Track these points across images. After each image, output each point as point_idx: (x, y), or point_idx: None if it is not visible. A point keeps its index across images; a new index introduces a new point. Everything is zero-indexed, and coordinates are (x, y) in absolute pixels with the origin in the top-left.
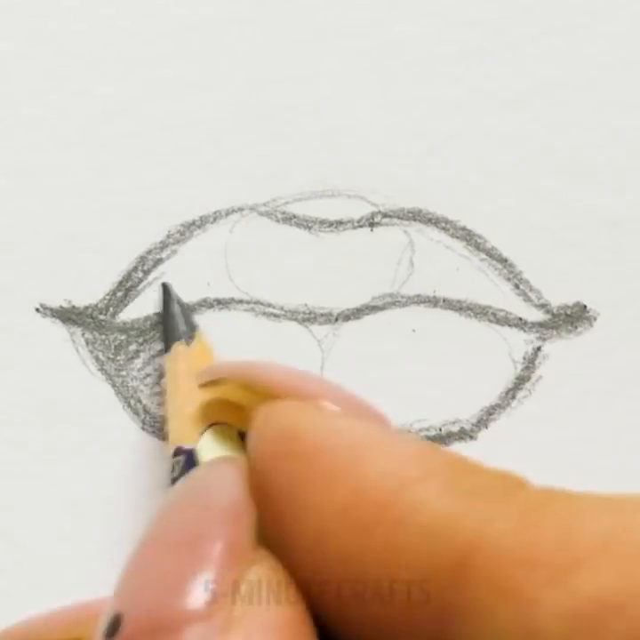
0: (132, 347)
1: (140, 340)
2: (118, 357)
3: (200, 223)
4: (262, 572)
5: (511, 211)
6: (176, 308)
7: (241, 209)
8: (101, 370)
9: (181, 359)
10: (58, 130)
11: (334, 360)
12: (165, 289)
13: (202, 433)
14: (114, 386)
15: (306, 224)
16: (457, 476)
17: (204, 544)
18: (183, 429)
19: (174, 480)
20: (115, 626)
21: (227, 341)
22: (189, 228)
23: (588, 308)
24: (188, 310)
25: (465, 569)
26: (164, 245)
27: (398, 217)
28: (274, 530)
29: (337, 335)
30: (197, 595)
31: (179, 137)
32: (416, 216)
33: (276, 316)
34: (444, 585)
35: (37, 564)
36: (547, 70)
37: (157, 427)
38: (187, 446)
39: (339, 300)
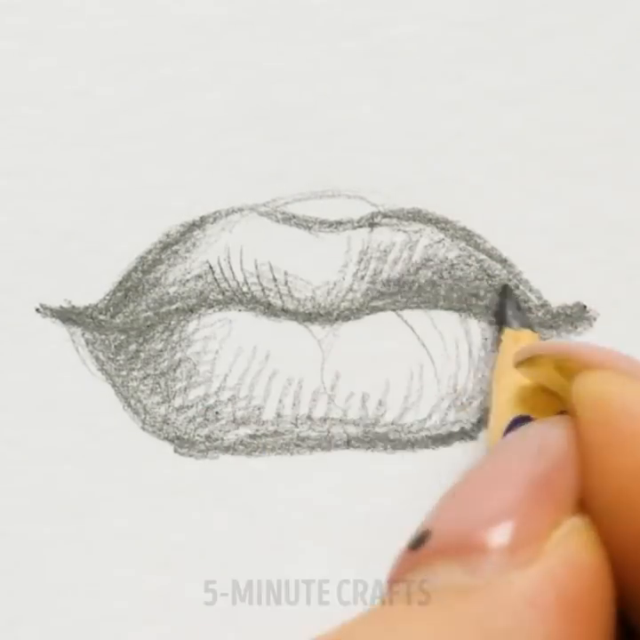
0: (132, 347)
1: (140, 339)
2: (118, 357)
3: (200, 223)
4: (577, 524)
5: (511, 211)
6: (513, 304)
7: (241, 209)
8: (101, 370)
9: (509, 351)
10: (58, 130)
11: (334, 360)
12: (506, 289)
13: (507, 425)
14: (114, 386)
15: (306, 224)
16: None
17: (526, 487)
18: (499, 427)
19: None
20: (422, 539)
21: (227, 341)
22: (189, 228)
23: (587, 308)
24: (524, 312)
25: None
26: (164, 245)
27: (398, 217)
28: (586, 493)
29: (337, 335)
30: (507, 530)
31: (179, 137)
32: (416, 216)
33: (276, 315)
34: None
35: (37, 563)
36: (547, 70)
37: (157, 427)
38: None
39: (339, 300)
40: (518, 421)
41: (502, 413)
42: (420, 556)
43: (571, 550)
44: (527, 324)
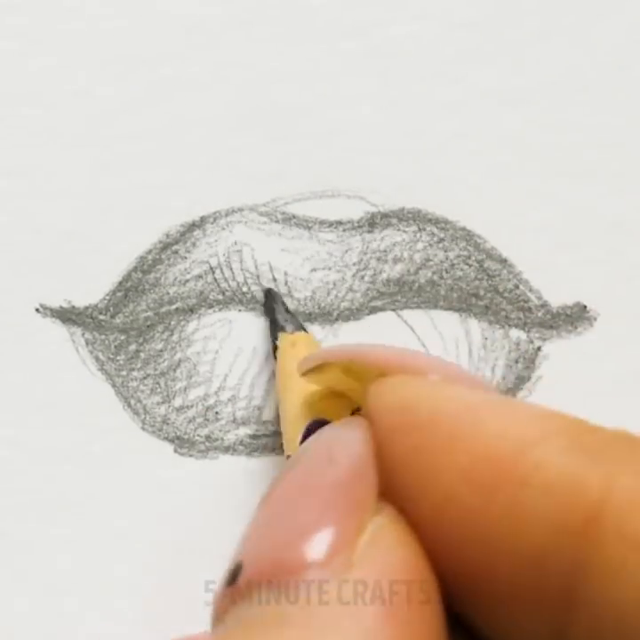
0: (132, 347)
1: (140, 339)
2: (118, 357)
3: (200, 223)
4: (384, 521)
5: (511, 211)
6: (281, 308)
7: (241, 209)
8: (101, 370)
9: (289, 355)
10: (58, 130)
11: None
12: (270, 293)
13: (302, 432)
14: (114, 386)
15: (306, 224)
16: (578, 435)
17: (328, 496)
18: (294, 436)
19: None
20: (235, 574)
21: (227, 341)
22: (189, 228)
23: (587, 308)
24: (293, 314)
25: (593, 525)
26: (164, 245)
27: (398, 217)
28: (396, 499)
29: (337, 335)
30: (319, 542)
31: (179, 137)
32: (416, 216)
33: None
34: (571, 543)
35: (37, 564)
36: (546, 70)
37: (157, 427)
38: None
39: (339, 300)
40: (314, 426)
41: (295, 420)
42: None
43: (381, 551)
44: (299, 326)
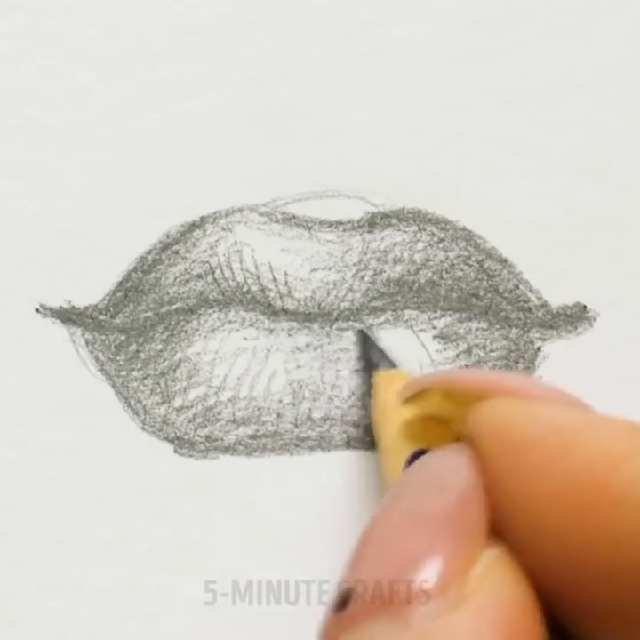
0: (132, 347)
1: (140, 340)
2: (118, 357)
3: (200, 223)
4: (495, 555)
5: (511, 211)
6: (375, 346)
7: (241, 209)
8: (101, 370)
9: (385, 391)
10: (58, 130)
11: (334, 360)
12: (362, 334)
13: (405, 462)
14: (114, 386)
15: (306, 224)
16: None
17: (439, 524)
18: (396, 466)
19: None
20: (345, 600)
21: (227, 341)
22: (189, 228)
23: (587, 308)
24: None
25: None
26: (164, 245)
27: (398, 217)
28: (496, 521)
29: (337, 335)
30: (430, 572)
31: (179, 137)
32: (416, 216)
33: (276, 315)
34: None
35: (37, 564)
36: (546, 70)
37: (157, 427)
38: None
39: (339, 301)
40: (415, 456)
41: (396, 451)
42: (346, 618)
43: (496, 584)
44: (393, 364)
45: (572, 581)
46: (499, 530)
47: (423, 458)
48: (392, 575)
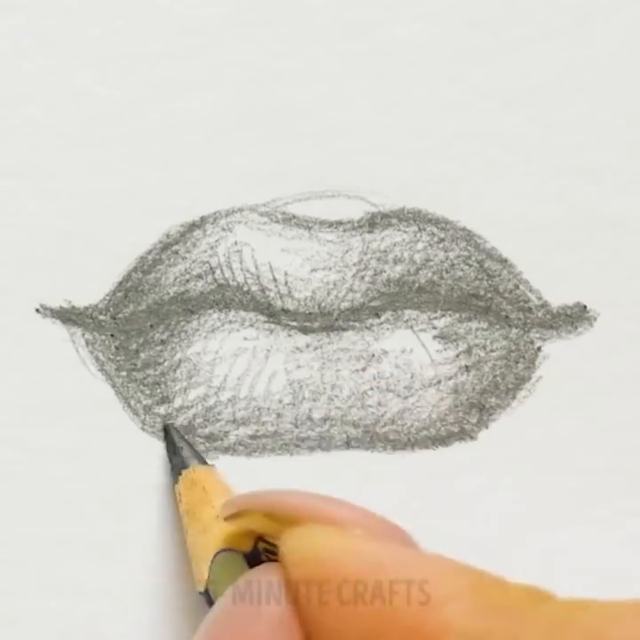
0: (132, 347)
1: (140, 340)
2: (118, 357)
3: (200, 223)
4: None
5: (511, 211)
6: (181, 443)
7: (241, 209)
8: (101, 370)
9: (189, 494)
10: (58, 130)
11: (334, 360)
12: (168, 429)
13: (210, 563)
14: (114, 386)
15: (306, 224)
16: (484, 593)
17: None
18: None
19: None
20: None
21: (227, 341)
22: (189, 228)
23: (587, 308)
24: (194, 447)
25: None
26: (164, 245)
27: (398, 217)
28: None
29: (337, 335)
30: None
31: (179, 137)
32: (416, 216)
33: (276, 316)
34: None
35: (37, 563)
36: (546, 70)
37: (157, 427)
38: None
39: (339, 301)
40: (220, 554)
41: (204, 554)
42: None
43: None
44: (199, 456)
45: None
46: None
47: (237, 583)
48: None
